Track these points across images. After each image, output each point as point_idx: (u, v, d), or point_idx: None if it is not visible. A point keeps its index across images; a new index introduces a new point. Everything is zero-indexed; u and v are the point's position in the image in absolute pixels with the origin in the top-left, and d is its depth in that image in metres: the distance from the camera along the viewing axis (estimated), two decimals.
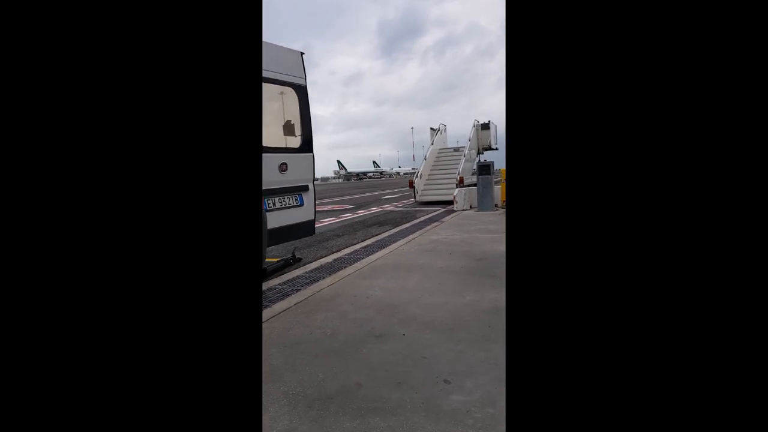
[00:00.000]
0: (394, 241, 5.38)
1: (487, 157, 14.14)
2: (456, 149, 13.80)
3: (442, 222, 7.38)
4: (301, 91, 3.90)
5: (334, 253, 4.87)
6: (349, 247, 5.24)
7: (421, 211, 9.79)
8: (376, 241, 5.53)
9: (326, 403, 1.63)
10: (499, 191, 9.79)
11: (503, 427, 1.39)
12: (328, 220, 8.66)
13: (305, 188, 4.01)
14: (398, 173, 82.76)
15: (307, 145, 3.99)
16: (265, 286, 3.44)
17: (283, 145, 3.86)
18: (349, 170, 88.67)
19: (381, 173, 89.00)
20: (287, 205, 3.85)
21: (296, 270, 3.98)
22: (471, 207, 9.87)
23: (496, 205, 9.46)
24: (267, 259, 4.19)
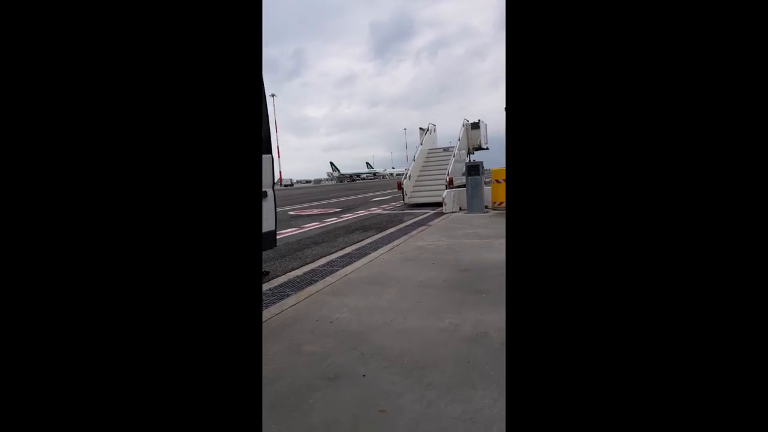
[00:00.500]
0: (376, 249, 4.96)
1: (477, 157, 13.80)
2: (446, 149, 13.44)
3: (430, 226, 6.99)
4: None
5: (307, 264, 4.44)
6: (325, 256, 4.82)
7: (409, 214, 9.39)
8: (356, 249, 5.11)
9: None
10: (489, 192, 9.46)
11: None
12: (309, 226, 8.20)
13: (263, 195, 3.56)
14: (391, 174, 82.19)
15: (263, 146, 3.54)
16: None
17: None
18: (342, 172, 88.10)
19: (374, 174, 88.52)
20: None
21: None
22: (461, 209, 9.50)
23: (486, 207, 9.10)
24: None
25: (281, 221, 7.24)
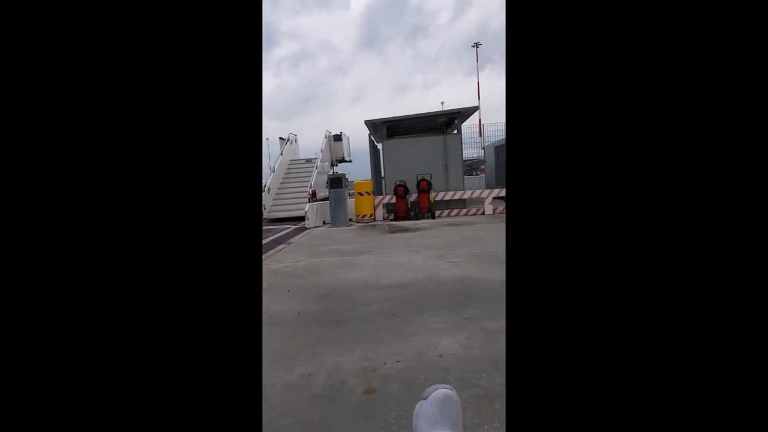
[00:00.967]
0: None
1: (340, 169, 13.75)
2: (308, 161, 13.03)
3: (290, 243, 6.42)
4: None
5: None
6: None
7: (269, 230, 8.61)
8: None
9: None
10: (353, 205, 9.35)
11: None
12: None
13: None
14: None
15: None
16: None
17: None
18: None
19: None
20: None
21: None
22: (324, 223, 9.15)
23: (350, 220, 8.94)
24: None
25: None
